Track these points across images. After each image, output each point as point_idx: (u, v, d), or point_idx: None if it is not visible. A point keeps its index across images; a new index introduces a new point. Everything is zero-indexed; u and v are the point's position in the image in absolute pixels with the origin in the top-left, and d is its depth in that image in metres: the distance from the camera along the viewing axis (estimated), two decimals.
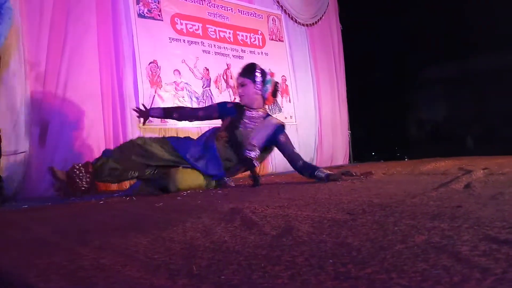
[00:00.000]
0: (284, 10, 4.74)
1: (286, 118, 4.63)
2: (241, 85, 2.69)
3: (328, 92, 5.18)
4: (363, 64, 5.90)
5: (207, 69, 3.96)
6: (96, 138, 3.08)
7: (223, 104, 2.88)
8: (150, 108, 2.76)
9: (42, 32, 2.90)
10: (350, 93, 5.57)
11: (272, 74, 2.82)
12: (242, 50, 4.30)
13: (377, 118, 6.19)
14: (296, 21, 4.87)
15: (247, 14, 4.41)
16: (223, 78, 4.11)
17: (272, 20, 4.66)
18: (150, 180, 2.47)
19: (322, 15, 5.17)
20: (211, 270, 0.76)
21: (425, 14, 5.36)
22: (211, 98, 3.95)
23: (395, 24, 5.71)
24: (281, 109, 4.59)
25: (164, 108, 2.85)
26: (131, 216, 1.57)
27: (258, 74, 2.68)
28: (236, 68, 4.23)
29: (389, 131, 6.17)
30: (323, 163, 4.93)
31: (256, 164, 2.63)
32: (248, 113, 2.71)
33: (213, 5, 4.06)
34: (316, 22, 5.08)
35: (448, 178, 2.25)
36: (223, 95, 4.06)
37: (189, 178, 2.45)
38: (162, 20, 3.56)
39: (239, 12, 4.32)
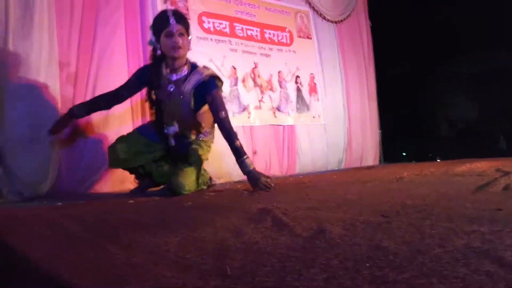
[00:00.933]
0: (312, 7, 4.68)
1: (314, 117, 4.58)
2: (180, 34, 2.31)
3: (358, 90, 5.08)
4: (392, 61, 5.76)
5: (234, 68, 3.96)
6: None
7: (142, 72, 2.54)
8: (70, 109, 2.52)
9: (72, 33, 2.95)
10: (379, 91, 5.45)
11: None
12: (269, 48, 4.28)
13: (408, 116, 6.03)
14: (324, 18, 4.79)
15: (274, 11, 4.38)
16: (251, 76, 4.10)
17: (300, 17, 4.61)
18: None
19: (351, 12, 5.07)
20: (244, 271, 0.75)
21: (455, 8, 5.19)
22: (238, 97, 3.94)
23: (424, 19, 5.56)
24: (309, 108, 4.54)
25: (85, 103, 2.61)
26: (161, 215, 1.58)
27: (189, 28, 2.42)
28: (264, 66, 4.25)
29: (420, 130, 6.00)
30: (353, 164, 4.85)
31: (172, 143, 2.48)
32: (172, 76, 2.43)
33: (240, 3, 4.05)
34: (345, 19, 4.99)
35: (485, 179, 2.16)
36: (251, 94, 4.05)
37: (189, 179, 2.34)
38: (190, 19, 3.57)
39: (266, 9, 4.30)
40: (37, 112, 2.67)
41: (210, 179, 2.78)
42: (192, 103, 2.42)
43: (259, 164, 3.94)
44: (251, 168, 2.27)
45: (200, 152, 2.47)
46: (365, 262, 0.77)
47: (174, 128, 2.46)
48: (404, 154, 6.35)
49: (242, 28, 4.05)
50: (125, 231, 1.20)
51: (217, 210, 1.58)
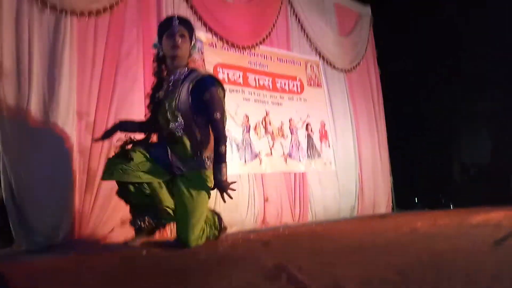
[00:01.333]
0: (322, 56, 4.82)
1: (325, 163, 4.60)
2: (181, 35, 2.26)
3: (368, 137, 5.12)
4: (402, 106, 5.83)
5: (247, 116, 4.04)
6: None
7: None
8: (120, 122, 2.56)
9: (93, 84, 3.07)
10: (390, 136, 5.48)
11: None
12: (280, 96, 4.38)
13: (419, 161, 6.01)
14: (334, 67, 4.92)
15: (285, 62, 4.52)
16: (262, 124, 4.17)
17: (310, 67, 4.75)
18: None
19: (360, 60, 5.21)
20: None
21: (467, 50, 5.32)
22: (250, 144, 4.00)
23: (434, 65, 5.69)
24: (320, 155, 4.57)
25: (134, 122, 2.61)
26: (175, 268, 1.58)
27: (194, 34, 2.34)
28: (275, 114, 4.33)
29: (431, 175, 5.95)
30: (365, 211, 4.79)
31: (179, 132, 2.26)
32: (171, 76, 2.34)
33: (253, 54, 4.20)
34: (354, 67, 5.12)
35: (502, 231, 2.12)
36: (262, 141, 4.11)
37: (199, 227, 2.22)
38: (205, 70, 3.72)
39: (278, 60, 4.44)
40: (53, 161, 2.74)
41: (219, 219, 2.55)
42: (189, 103, 2.25)
43: (271, 211, 3.93)
44: (224, 178, 2.19)
45: (205, 188, 2.27)
46: None
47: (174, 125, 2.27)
48: (416, 200, 6.26)
49: (255, 78, 4.18)
50: (143, 282, 1.20)
51: (231, 263, 1.57)
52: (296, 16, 4.61)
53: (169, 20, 2.32)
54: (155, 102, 2.35)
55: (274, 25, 4.33)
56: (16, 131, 2.65)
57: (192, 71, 2.32)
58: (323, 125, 4.69)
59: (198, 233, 2.21)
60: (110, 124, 3.06)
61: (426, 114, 5.91)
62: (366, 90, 5.26)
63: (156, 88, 2.38)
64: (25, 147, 2.63)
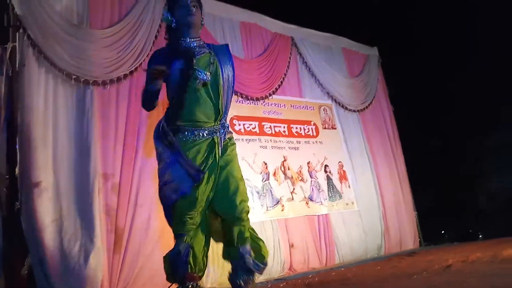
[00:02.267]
0: (334, 99, 4.94)
1: (347, 204, 4.58)
2: (194, 5, 2.14)
3: (388, 174, 5.11)
4: (419, 139, 5.85)
5: (265, 163, 4.11)
6: (167, 244, 3.18)
7: (156, 55, 2.18)
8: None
9: (117, 146, 3.20)
10: (410, 170, 5.45)
11: None
12: (297, 141, 4.46)
13: (443, 192, 5.93)
14: (347, 108, 5.03)
15: (299, 107, 4.64)
16: (281, 170, 4.23)
17: (324, 110, 4.86)
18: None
19: (372, 100, 5.31)
20: None
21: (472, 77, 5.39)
22: (271, 190, 4.04)
23: (443, 95, 5.76)
24: (341, 196, 4.57)
25: None
26: None
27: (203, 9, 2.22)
28: (293, 159, 4.38)
29: (457, 206, 5.85)
30: (392, 249, 4.71)
31: None
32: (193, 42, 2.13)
33: (268, 104, 4.34)
34: (367, 107, 5.22)
35: None
36: (282, 186, 4.15)
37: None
38: None
39: (291, 106, 4.56)
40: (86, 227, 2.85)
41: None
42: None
43: (297, 257, 3.90)
44: None
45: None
46: None
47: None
48: (443, 233, 6.12)
49: (270, 126, 4.29)
50: None
51: None
52: (306, 63, 4.79)
53: None
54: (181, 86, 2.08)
55: (285, 75, 4.50)
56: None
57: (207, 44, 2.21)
58: (341, 166, 4.72)
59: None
60: (135, 184, 3.18)
61: (446, 144, 5.91)
62: (381, 128, 5.32)
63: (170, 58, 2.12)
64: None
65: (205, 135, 2.07)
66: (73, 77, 3.09)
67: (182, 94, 2.05)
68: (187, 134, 2.07)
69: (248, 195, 2.13)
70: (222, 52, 2.19)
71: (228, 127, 2.15)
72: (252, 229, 2.13)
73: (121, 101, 3.31)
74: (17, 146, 2.83)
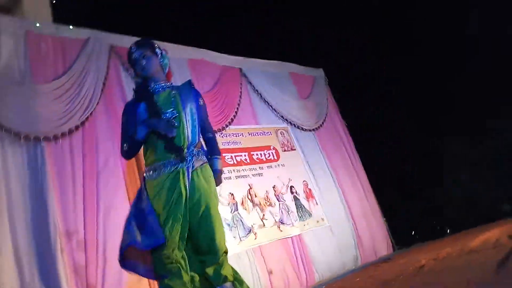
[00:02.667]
0: (289, 122, 5.07)
1: (318, 221, 4.63)
2: (143, 56, 2.22)
3: (351, 186, 5.24)
4: (375, 148, 6.06)
5: (232, 194, 4.10)
6: None
7: (127, 110, 2.25)
8: None
9: (77, 203, 3.08)
10: (372, 179, 5.62)
11: (166, 51, 2.39)
12: (259, 167, 4.50)
13: (406, 196, 6.12)
14: (302, 128, 5.16)
15: (257, 134, 4.70)
16: (248, 198, 4.23)
17: (281, 133, 4.95)
18: None
19: (325, 117, 5.49)
20: None
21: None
22: (241, 220, 4.02)
23: (394, 101, 6.06)
24: (310, 214, 4.61)
25: None
26: None
27: (157, 48, 2.30)
28: (259, 185, 4.40)
29: (422, 205, 6.03)
30: (368, 258, 4.77)
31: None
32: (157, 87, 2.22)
33: (225, 135, 4.36)
34: (321, 125, 5.38)
35: (501, 252, 2.18)
36: (252, 214, 4.14)
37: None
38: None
39: (249, 134, 4.62)
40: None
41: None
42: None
43: (277, 283, 3.87)
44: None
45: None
46: None
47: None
48: (413, 233, 6.27)
49: (231, 156, 4.31)
50: None
51: None
52: (257, 91, 4.91)
53: (129, 51, 2.31)
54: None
55: (239, 105, 4.57)
56: None
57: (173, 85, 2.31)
58: (306, 185, 4.80)
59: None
60: (101, 237, 3.06)
61: (401, 149, 6.15)
62: (337, 142, 5.49)
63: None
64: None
65: (169, 169, 2.08)
66: (22, 135, 2.98)
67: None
68: (151, 173, 2.12)
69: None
70: (184, 87, 2.29)
71: (201, 154, 2.17)
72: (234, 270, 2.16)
73: (76, 154, 3.21)
74: None
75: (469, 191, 5.75)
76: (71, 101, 3.28)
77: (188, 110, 2.19)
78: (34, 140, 3.03)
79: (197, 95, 2.29)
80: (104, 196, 3.20)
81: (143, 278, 3.04)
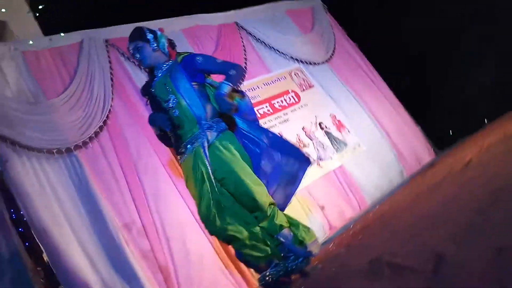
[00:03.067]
0: (300, 60, 4.94)
1: (355, 148, 4.63)
2: (136, 49, 2.30)
3: (378, 104, 5.14)
4: (392, 60, 5.86)
5: None
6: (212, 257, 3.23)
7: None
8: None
9: (125, 196, 3.20)
10: (397, 90, 5.49)
11: (161, 30, 2.41)
12: (284, 114, 4.47)
13: (434, 96, 5.95)
14: (315, 63, 5.04)
15: (271, 82, 4.64)
16: None
17: (295, 74, 4.86)
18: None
19: (334, 45, 5.32)
20: None
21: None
22: None
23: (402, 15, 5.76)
24: (346, 143, 4.61)
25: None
26: None
27: (148, 33, 2.32)
28: (289, 131, 4.40)
29: (451, 102, 5.86)
30: (413, 168, 4.77)
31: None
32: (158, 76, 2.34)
33: None
34: (332, 54, 5.23)
35: None
36: None
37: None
38: None
39: (264, 85, 4.57)
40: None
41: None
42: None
43: (332, 216, 3.96)
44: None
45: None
46: None
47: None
48: (451, 133, 6.15)
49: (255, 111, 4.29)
50: None
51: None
52: (259, 40, 4.79)
53: (127, 48, 2.38)
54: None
55: (246, 59, 4.50)
56: None
57: (178, 57, 2.36)
58: (334, 117, 4.77)
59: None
60: (158, 221, 3.20)
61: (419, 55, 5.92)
62: (353, 67, 5.37)
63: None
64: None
65: (190, 150, 2.22)
66: (54, 151, 3.09)
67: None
68: (179, 158, 2.34)
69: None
70: (173, 65, 2.32)
71: (214, 124, 2.24)
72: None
73: (108, 152, 3.30)
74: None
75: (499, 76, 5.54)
76: (87, 106, 3.33)
77: (182, 89, 2.23)
78: (66, 151, 3.13)
79: (188, 61, 2.28)
80: (147, 182, 3.31)
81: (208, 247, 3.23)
